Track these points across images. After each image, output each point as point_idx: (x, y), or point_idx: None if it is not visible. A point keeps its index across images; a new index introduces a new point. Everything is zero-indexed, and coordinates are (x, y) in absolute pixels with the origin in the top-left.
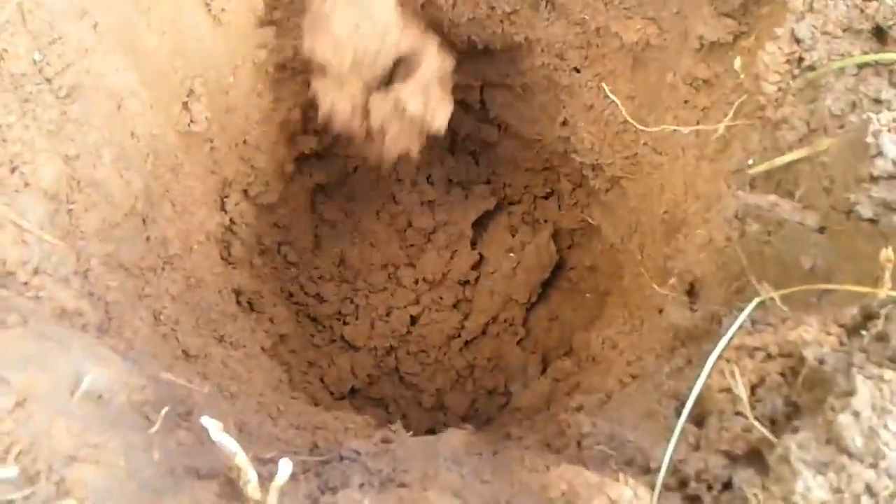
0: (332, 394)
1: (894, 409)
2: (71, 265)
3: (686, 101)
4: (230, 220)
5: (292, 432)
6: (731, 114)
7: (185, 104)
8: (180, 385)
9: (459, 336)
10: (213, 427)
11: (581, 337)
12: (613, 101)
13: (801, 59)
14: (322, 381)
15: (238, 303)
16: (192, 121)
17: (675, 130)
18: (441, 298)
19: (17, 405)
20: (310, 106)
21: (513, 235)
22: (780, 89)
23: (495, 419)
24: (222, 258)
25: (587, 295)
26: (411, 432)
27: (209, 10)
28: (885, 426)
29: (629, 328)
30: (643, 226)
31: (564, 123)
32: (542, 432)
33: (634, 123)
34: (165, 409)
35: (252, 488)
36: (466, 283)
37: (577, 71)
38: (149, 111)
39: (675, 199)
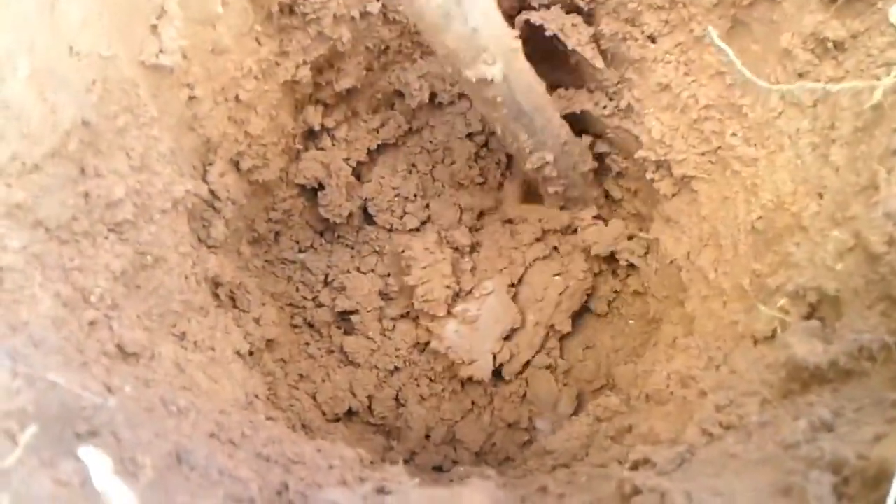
0: (324, 414)
1: None
2: None
3: (801, 75)
4: (212, 192)
5: (256, 466)
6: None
7: (153, 27)
8: (85, 395)
9: None
10: (99, 465)
11: (627, 370)
12: (695, 81)
13: None
14: (314, 398)
15: (215, 295)
16: (161, 51)
17: (778, 115)
18: None
19: None
20: (325, 67)
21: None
22: None
23: (516, 458)
24: (199, 238)
25: (630, 322)
26: (417, 480)
27: None
28: None
29: (706, 361)
30: (720, 237)
31: (629, 110)
32: (588, 491)
33: (755, 79)
34: (32, 429)
35: None
36: None
37: (653, 41)
38: (98, 23)
39: (778, 200)
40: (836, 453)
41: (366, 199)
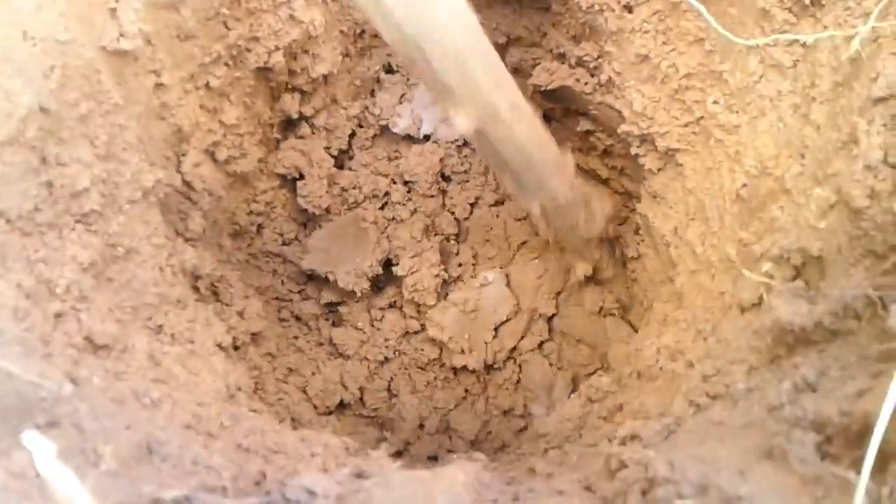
0: (315, 407)
1: None
2: None
3: (781, 34)
4: (186, 183)
5: (234, 457)
6: (872, 17)
7: (112, 10)
8: (40, 385)
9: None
10: (41, 450)
11: (619, 350)
12: (674, 49)
13: None
14: (304, 391)
15: (195, 288)
16: (121, 34)
17: (758, 79)
18: None
19: None
20: (298, 52)
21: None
22: None
23: (511, 445)
24: (176, 231)
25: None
26: (400, 462)
27: None
28: None
29: (693, 334)
30: (706, 209)
31: (609, 85)
32: (578, 469)
33: (729, 35)
34: None
35: None
36: None
37: (629, 11)
38: (52, 6)
39: (761, 165)
40: (818, 412)
41: (344, 188)
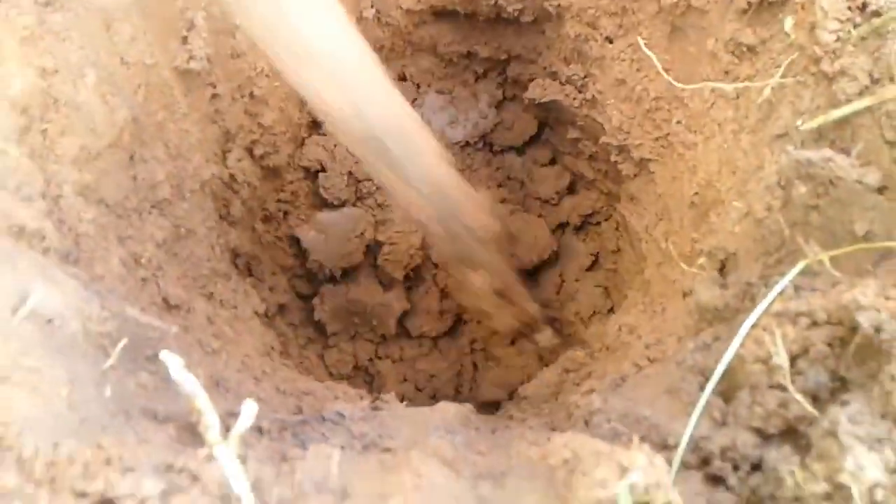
0: (331, 375)
1: None
2: (38, 186)
3: (727, 72)
4: (231, 175)
5: (275, 395)
6: (780, 71)
7: (184, 38)
8: (151, 326)
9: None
10: (175, 363)
11: (595, 329)
12: (646, 76)
13: (864, 5)
14: (322, 358)
15: (234, 264)
16: (191, 57)
17: (710, 105)
18: None
19: None
20: None
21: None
22: (838, 39)
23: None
24: (220, 215)
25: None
26: (405, 402)
27: None
28: None
29: (649, 315)
30: (670, 212)
31: (593, 102)
32: (547, 417)
33: (672, 80)
34: (124, 341)
35: (212, 433)
36: None
37: (610, 41)
38: (142, 38)
39: (709, 178)
40: (703, 363)
41: (359, 180)
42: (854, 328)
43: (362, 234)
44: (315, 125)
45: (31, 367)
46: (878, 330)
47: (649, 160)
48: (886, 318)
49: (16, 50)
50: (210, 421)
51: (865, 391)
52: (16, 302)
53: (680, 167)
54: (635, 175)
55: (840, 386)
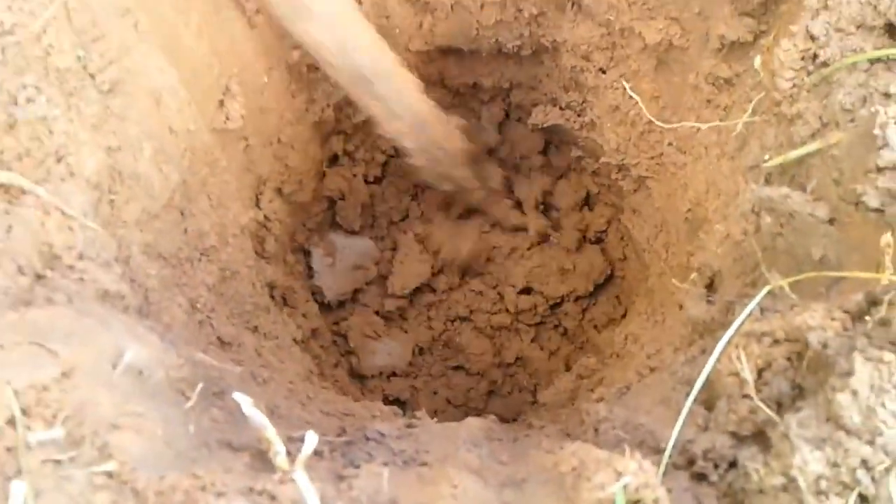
0: (363, 392)
1: (892, 389)
2: (112, 251)
3: (708, 101)
4: (264, 216)
5: (321, 417)
6: (749, 111)
7: (221, 102)
8: (214, 367)
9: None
10: (245, 402)
11: (605, 336)
12: (637, 103)
13: (815, 56)
14: (351, 374)
15: (271, 297)
16: (227, 118)
17: (697, 130)
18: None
19: (64, 375)
20: (343, 105)
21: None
22: (794, 86)
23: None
24: (256, 253)
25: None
26: (436, 419)
27: (244, 12)
28: (883, 405)
29: (651, 324)
30: (668, 225)
31: (592, 125)
32: (563, 423)
33: (653, 119)
34: (200, 385)
35: (281, 459)
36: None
37: (603, 72)
38: (186, 108)
39: (698, 197)
40: (690, 374)
41: (374, 207)
42: (806, 345)
43: (367, 268)
44: (334, 158)
45: (133, 413)
46: (824, 346)
47: (646, 177)
48: (831, 336)
49: (87, 136)
50: (278, 449)
51: (815, 398)
52: (114, 358)
53: (674, 184)
54: (635, 190)
55: (798, 394)
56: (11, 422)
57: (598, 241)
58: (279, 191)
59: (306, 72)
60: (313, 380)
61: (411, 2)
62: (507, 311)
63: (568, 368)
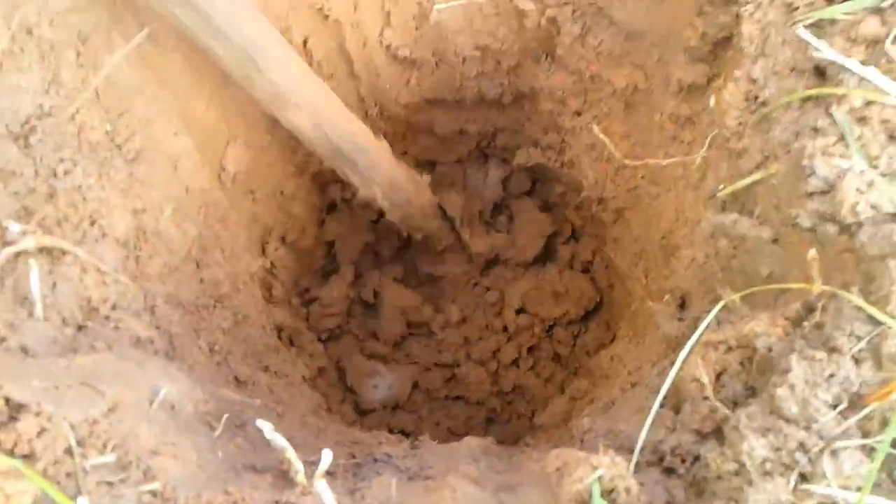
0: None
1: (823, 382)
2: (140, 302)
3: (674, 137)
4: (271, 263)
5: (332, 446)
6: (705, 146)
7: (230, 162)
8: (236, 401)
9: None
10: (267, 427)
11: (596, 360)
12: (611, 141)
13: (756, 97)
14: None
15: (279, 338)
16: (235, 175)
17: (665, 165)
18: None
19: (110, 410)
20: None
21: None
22: (740, 123)
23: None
24: (265, 298)
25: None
26: (437, 441)
27: None
28: (816, 395)
29: (634, 345)
30: (646, 253)
31: (571, 163)
32: (555, 442)
33: (619, 156)
34: (225, 416)
35: (300, 476)
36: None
37: (578, 115)
38: (200, 169)
39: (670, 225)
40: (659, 384)
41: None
42: (755, 350)
43: None
44: (332, 206)
45: (170, 442)
46: (769, 350)
47: (624, 209)
48: (775, 341)
49: (117, 200)
50: (298, 467)
51: (762, 395)
52: (151, 396)
53: (649, 214)
54: (615, 221)
55: (751, 392)
56: (69, 451)
57: (586, 270)
58: (283, 239)
59: None
60: (322, 414)
61: (399, 61)
62: (505, 330)
63: (562, 393)
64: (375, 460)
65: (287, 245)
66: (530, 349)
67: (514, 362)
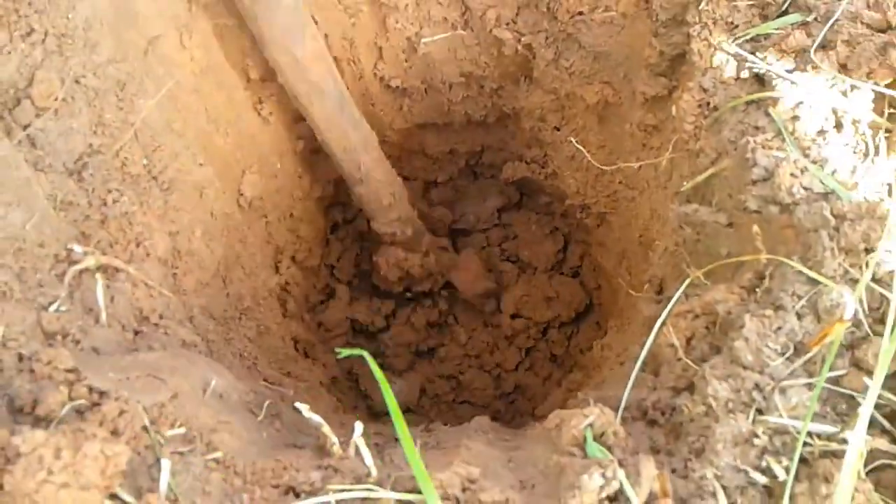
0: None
1: (772, 333)
2: (182, 313)
3: (643, 144)
4: (284, 280)
5: None
6: (670, 149)
7: (246, 187)
8: (269, 395)
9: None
10: (304, 408)
11: (588, 355)
12: (589, 151)
13: (708, 104)
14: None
15: (296, 349)
16: (251, 200)
17: (640, 168)
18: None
19: (173, 397)
20: (340, 182)
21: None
22: (696, 127)
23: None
24: (282, 313)
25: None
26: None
27: (259, 114)
28: (767, 345)
29: (621, 333)
30: (628, 252)
31: (554, 174)
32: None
33: (595, 163)
34: (267, 402)
35: (336, 447)
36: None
37: (557, 129)
38: (221, 196)
39: (646, 223)
40: (638, 352)
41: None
42: (717, 315)
43: None
44: (335, 227)
45: (224, 421)
46: (728, 313)
47: (605, 213)
48: (732, 305)
49: (157, 224)
50: (333, 440)
51: (723, 350)
52: (203, 385)
53: (627, 216)
54: (598, 225)
55: (717, 351)
56: (145, 428)
57: (575, 275)
58: (293, 258)
59: (310, 156)
60: (340, 413)
61: (392, 90)
62: (505, 336)
63: (559, 387)
64: (396, 440)
65: (297, 264)
66: (528, 351)
67: (515, 368)
